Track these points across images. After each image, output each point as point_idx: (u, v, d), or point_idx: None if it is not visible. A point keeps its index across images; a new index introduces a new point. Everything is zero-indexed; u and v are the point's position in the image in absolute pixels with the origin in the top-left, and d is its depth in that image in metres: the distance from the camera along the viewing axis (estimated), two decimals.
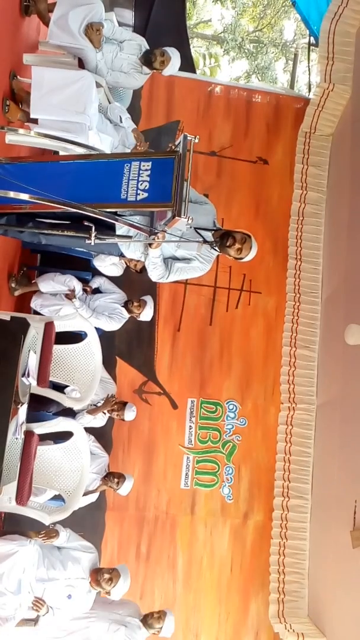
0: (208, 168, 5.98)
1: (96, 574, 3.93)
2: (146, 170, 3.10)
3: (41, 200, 2.95)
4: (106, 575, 3.91)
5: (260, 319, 5.95)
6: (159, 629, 4.14)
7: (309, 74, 8.84)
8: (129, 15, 6.98)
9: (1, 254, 4.53)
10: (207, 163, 5.98)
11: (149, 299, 5.26)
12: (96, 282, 5.21)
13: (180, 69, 4.65)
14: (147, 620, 4.12)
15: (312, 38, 7.05)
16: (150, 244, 3.37)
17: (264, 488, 5.69)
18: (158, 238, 3.24)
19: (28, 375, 3.73)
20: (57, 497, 4.35)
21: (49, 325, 3.94)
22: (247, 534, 5.67)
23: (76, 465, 4.00)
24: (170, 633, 4.21)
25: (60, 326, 4.11)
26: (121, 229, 3.34)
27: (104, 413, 5.07)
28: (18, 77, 4.22)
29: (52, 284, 4.88)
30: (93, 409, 4.87)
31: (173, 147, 3.16)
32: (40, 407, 4.51)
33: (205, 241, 3.37)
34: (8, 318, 2.82)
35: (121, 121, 4.47)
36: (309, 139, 6.08)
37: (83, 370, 4.42)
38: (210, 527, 5.64)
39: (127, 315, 5.15)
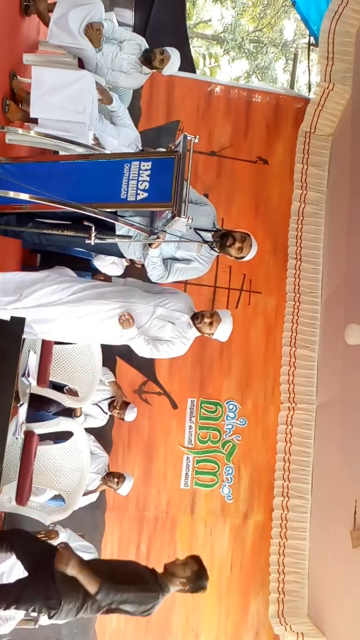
0: (208, 168, 5.98)
1: None
2: (146, 170, 3.11)
3: (41, 200, 2.96)
4: None
5: (260, 319, 5.94)
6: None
7: (309, 74, 8.85)
8: (129, 15, 6.99)
9: (1, 254, 4.52)
10: (207, 163, 5.98)
11: None
12: None
13: (180, 68, 4.64)
14: (195, 320, 3.62)
15: (312, 38, 7.04)
16: (150, 244, 3.38)
17: (263, 488, 5.69)
18: (158, 238, 3.24)
19: (28, 375, 3.74)
20: (57, 497, 4.35)
21: None
22: (247, 534, 5.67)
23: (76, 465, 4.00)
24: (227, 336, 3.68)
25: None
26: (121, 229, 3.34)
27: (105, 412, 5.07)
28: (18, 77, 4.22)
29: None
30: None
31: (173, 147, 3.16)
32: (40, 407, 4.51)
33: (204, 241, 3.38)
34: (8, 318, 2.82)
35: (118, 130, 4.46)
36: (309, 139, 6.06)
37: (83, 370, 4.42)
38: (210, 526, 5.64)
39: None
